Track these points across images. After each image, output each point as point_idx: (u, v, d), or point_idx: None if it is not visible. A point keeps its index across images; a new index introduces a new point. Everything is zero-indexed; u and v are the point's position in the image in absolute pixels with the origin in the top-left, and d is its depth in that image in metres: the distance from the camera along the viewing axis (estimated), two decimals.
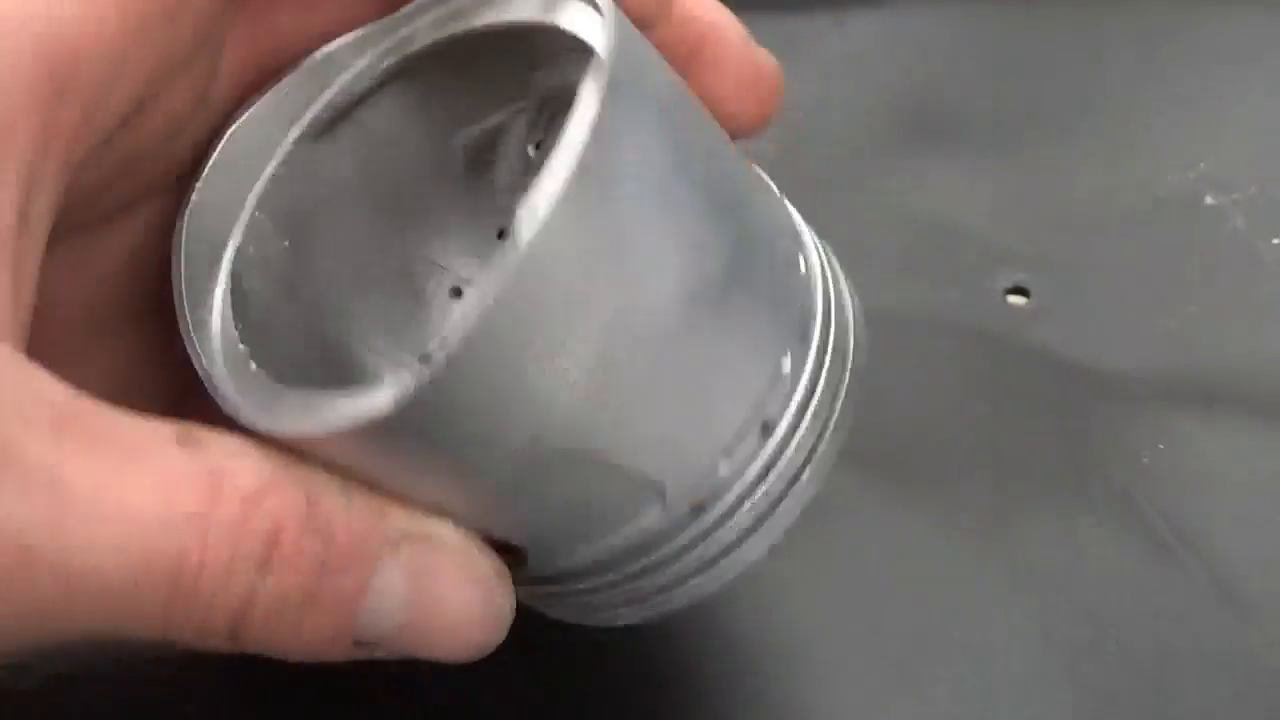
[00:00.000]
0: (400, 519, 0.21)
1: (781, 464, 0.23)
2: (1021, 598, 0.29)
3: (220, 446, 0.20)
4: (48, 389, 0.19)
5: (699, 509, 0.23)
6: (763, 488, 0.23)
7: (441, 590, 0.22)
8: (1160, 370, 0.35)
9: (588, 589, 0.24)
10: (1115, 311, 0.37)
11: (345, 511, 0.21)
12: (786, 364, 0.23)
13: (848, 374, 0.24)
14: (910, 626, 0.29)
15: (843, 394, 0.24)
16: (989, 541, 0.31)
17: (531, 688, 0.28)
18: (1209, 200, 0.40)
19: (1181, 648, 0.28)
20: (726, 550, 0.23)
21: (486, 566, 0.22)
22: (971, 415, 0.34)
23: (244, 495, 0.20)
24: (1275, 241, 0.39)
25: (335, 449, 0.21)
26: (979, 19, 0.48)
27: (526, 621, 0.24)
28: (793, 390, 0.23)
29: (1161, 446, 0.33)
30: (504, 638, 0.23)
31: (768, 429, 0.23)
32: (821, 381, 0.24)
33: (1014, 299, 0.38)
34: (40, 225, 0.20)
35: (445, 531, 0.22)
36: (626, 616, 0.25)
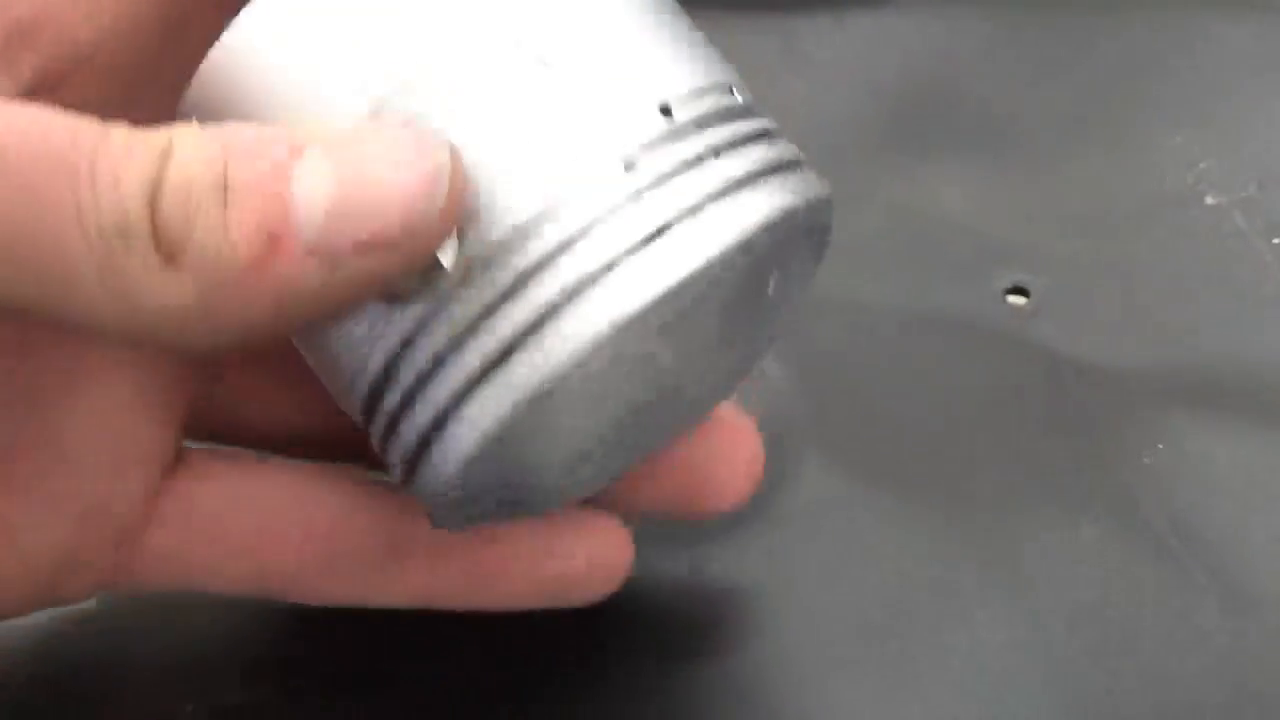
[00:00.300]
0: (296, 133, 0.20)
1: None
2: (1021, 598, 0.29)
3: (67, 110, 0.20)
4: None
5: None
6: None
7: (369, 169, 0.20)
8: (1160, 370, 0.35)
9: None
10: (1115, 311, 0.37)
11: (239, 133, 0.20)
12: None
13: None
14: (909, 627, 0.29)
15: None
16: (989, 542, 0.31)
17: (529, 691, 0.28)
18: (1209, 200, 0.40)
19: (1182, 647, 0.28)
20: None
21: (412, 138, 0.21)
22: (971, 415, 0.34)
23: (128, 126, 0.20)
24: (1275, 241, 0.39)
25: None
26: (979, 19, 0.48)
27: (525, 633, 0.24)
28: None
29: (1161, 446, 0.33)
30: (441, 206, 0.21)
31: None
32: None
33: (1014, 299, 0.38)
34: None
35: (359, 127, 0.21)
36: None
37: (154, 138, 0.20)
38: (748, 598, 0.30)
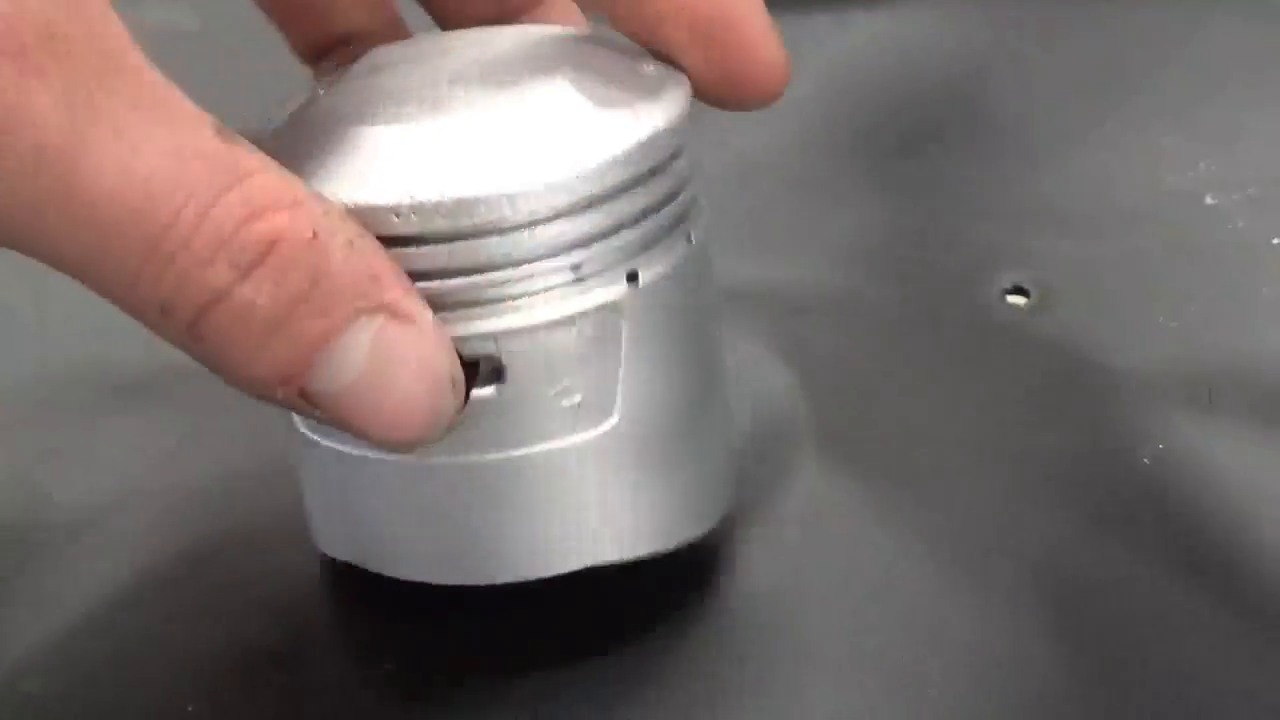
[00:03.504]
0: (391, 289, 0.22)
1: None
2: (1021, 598, 0.29)
3: (253, 152, 0.21)
4: (129, 49, 0.20)
5: None
6: None
7: (397, 371, 0.22)
8: (1160, 370, 0.35)
9: None
10: (1115, 311, 0.37)
11: (345, 259, 0.21)
12: None
13: None
14: (909, 628, 0.29)
15: None
16: (987, 542, 0.31)
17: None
18: (1209, 200, 0.40)
19: (1183, 648, 0.28)
20: None
21: (448, 368, 0.23)
22: (970, 415, 0.34)
23: (256, 197, 0.20)
24: (1275, 241, 0.39)
25: None
26: (979, 19, 0.48)
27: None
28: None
29: (1161, 446, 0.33)
30: (435, 440, 0.23)
31: None
32: None
33: (1014, 299, 0.38)
34: None
35: (426, 319, 0.22)
36: None
37: (238, 252, 0.20)
38: (748, 597, 0.30)
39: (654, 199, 0.26)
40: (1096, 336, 0.36)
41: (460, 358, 0.24)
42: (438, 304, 0.24)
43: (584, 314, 0.25)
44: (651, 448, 0.27)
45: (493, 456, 0.26)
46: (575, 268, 0.25)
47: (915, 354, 0.36)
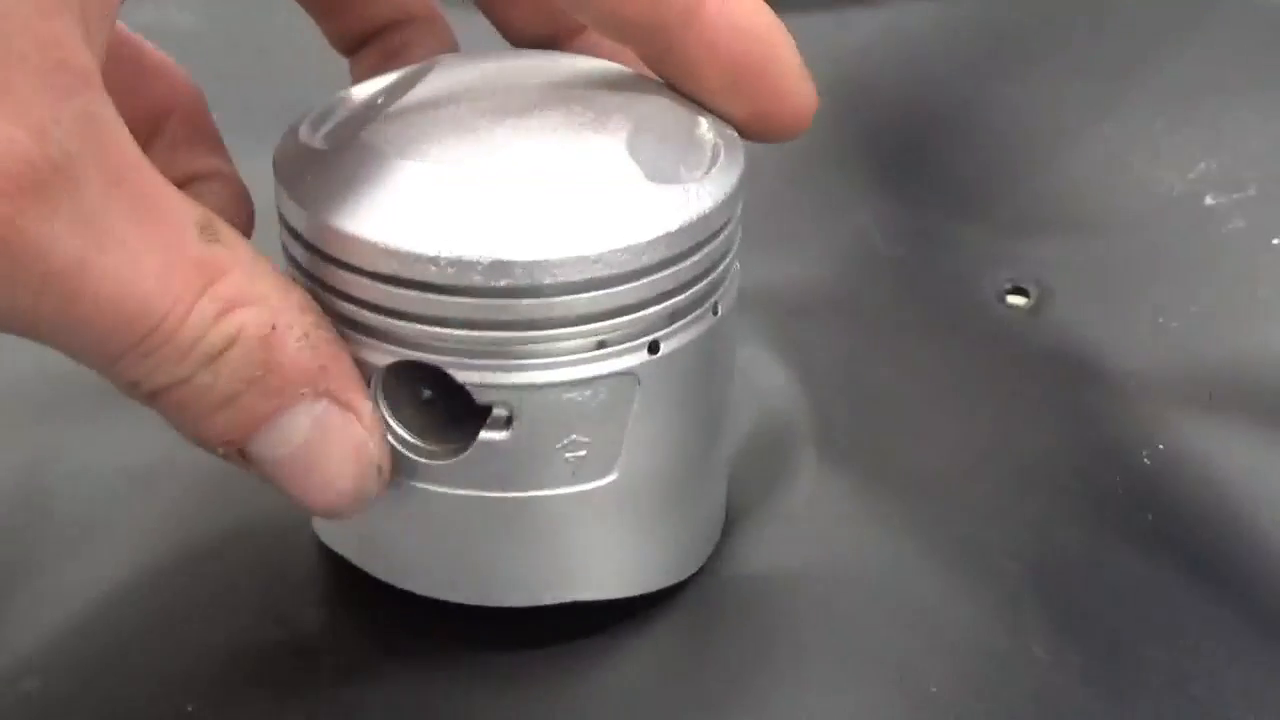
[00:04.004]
0: (337, 379, 0.24)
1: None
2: (1021, 598, 0.29)
3: (231, 248, 0.23)
4: (131, 156, 0.22)
5: None
6: None
7: (330, 452, 0.24)
8: (1160, 370, 0.35)
9: None
10: (1115, 311, 0.37)
11: (298, 350, 0.23)
12: None
13: None
14: (909, 627, 0.29)
15: None
16: (987, 541, 0.31)
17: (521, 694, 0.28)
18: (1209, 200, 0.40)
19: (1183, 647, 0.28)
20: None
21: (377, 457, 0.25)
22: (970, 415, 0.34)
23: (227, 295, 0.23)
24: (1275, 242, 0.39)
25: None
26: (979, 19, 0.48)
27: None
28: None
29: (1161, 446, 0.33)
30: (357, 513, 0.25)
31: None
32: None
33: (1014, 299, 0.38)
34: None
35: (366, 410, 0.24)
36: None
37: (207, 346, 0.22)
38: (748, 596, 0.30)
39: (689, 276, 0.26)
40: (1096, 336, 0.36)
41: (473, 400, 0.25)
42: (458, 350, 0.25)
43: (600, 378, 0.25)
44: (643, 503, 0.27)
45: (493, 495, 0.26)
46: (599, 335, 0.25)
47: (915, 354, 0.36)
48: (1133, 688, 0.28)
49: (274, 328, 0.23)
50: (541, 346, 0.25)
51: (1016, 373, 0.35)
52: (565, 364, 0.25)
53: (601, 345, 0.25)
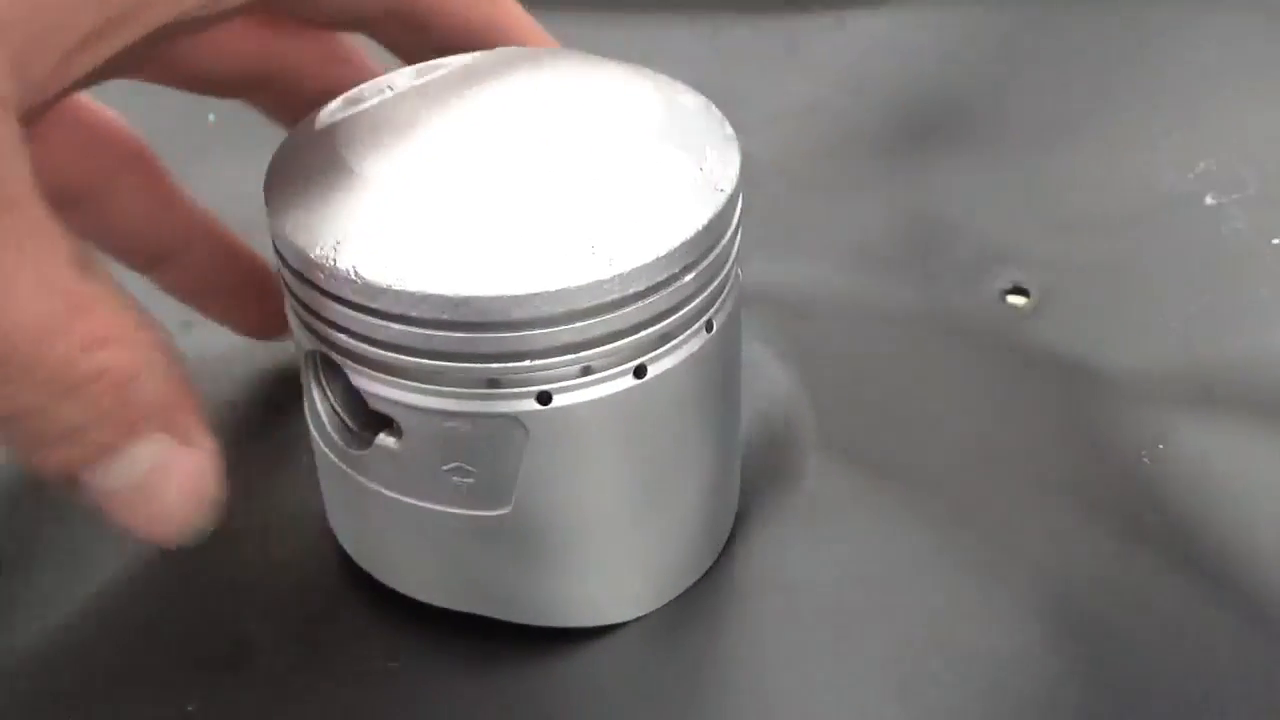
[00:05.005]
0: (186, 413, 0.24)
1: None
2: (1022, 597, 0.29)
3: (101, 285, 0.23)
4: (21, 183, 0.22)
5: None
6: None
7: (167, 488, 0.25)
8: (1160, 370, 0.35)
9: None
10: (1115, 311, 0.37)
11: (152, 388, 0.24)
12: None
13: None
14: (908, 628, 0.29)
15: None
16: (988, 542, 0.31)
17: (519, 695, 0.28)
18: (1209, 200, 0.40)
19: (1183, 647, 0.29)
20: None
21: (212, 491, 0.25)
22: (971, 415, 0.34)
23: (93, 331, 0.23)
24: (1275, 241, 0.39)
25: None
26: (979, 19, 0.48)
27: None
28: None
29: (1161, 446, 0.33)
30: (187, 543, 0.25)
31: None
32: None
33: (1014, 299, 0.38)
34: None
35: (207, 446, 0.25)
36: None
37: (70, 381, 0.23)
38: (747, 595, 0.30)
39: (599, 332, 0.24)
40: (1097, 336, 0.36)
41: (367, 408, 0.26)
42: (354, 354, 0.25)
43: (484, 416, 0.25)
44: (553, 539, 0.27)
45: (393, 495, 0.27)
46: (490, 375, 0.24)
47: (915, 354, 0.36)
48: (1133, 688, 0.28)
49: (133, 365, 0.24)
50: (426, 374, 0.25)
51: (1017, 373, 0.35)
52: (448, 395, 0.25)
53: (493, 384, 0.25)
